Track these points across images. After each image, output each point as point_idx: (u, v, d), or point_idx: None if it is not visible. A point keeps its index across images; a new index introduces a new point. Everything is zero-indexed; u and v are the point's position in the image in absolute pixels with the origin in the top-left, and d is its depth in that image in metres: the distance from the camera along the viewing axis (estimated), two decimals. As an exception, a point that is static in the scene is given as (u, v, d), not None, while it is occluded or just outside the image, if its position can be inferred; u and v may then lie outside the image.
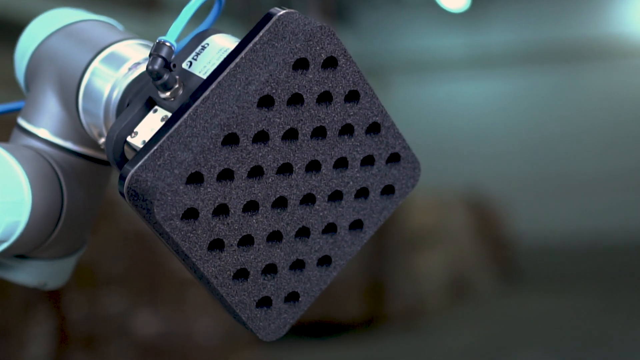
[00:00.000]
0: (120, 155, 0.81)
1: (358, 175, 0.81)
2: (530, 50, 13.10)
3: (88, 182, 0.93)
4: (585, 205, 12.81)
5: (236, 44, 0.79)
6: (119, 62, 0.88)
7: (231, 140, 0.74)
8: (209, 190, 0.74)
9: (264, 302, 0.80)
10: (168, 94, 0.79)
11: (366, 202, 0.82)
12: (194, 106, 0.74)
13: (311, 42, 0.75)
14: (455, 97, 13.37)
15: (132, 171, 0.74)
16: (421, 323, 6.03)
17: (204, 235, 0.74)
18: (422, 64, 13.47)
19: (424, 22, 13.48)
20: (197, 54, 0.81)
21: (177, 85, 0.79)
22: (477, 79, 13.27)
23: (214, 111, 0.74)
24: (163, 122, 0.78)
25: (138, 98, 0.81)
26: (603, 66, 12.86)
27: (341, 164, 0.80)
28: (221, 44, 0.81)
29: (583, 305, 6.77)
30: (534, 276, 8.72)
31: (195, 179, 0.73)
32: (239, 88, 0.74)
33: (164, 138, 0.74)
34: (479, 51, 13.26)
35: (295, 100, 0.76)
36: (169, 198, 0.72)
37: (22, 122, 0.93)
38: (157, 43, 0.78)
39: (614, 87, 12.84)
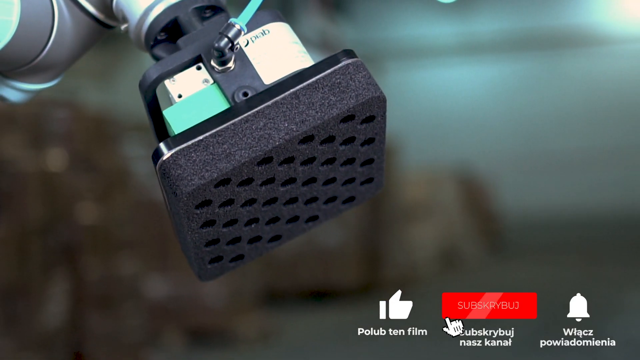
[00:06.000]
0: (152, 92, 0.81)
1: (337, 189, 0.86)
2: (516, 38, 13.08)
3: (82, 32, 0.87)
4: (567, 182, 12.79)
5: (293, 45, 0.80)
6: None
7: (266, 161, 0.77)
8: (229, 190, 0.77)
9: (217, 260, 0.85)
10: (219, 67, 0.78)
11: (330, 205, 0.88)
12: (245, 115, 0.76)
13: (366, 106, 0.77)
14: (446, 81, 13.36)
15: (172, 152, 0.75)
16: (414, 289, 5.92)
17: (205, 217, 0.78)
18: (415, 51, 13.45)
19: (417, 11, 13.42)
20: (256, 37, 0.80)
21: (230, 65, 0.78)
22: (466, 65, 13.24)
23: (261, 131, 0.75)
24: (204, 85, 0.79)
25: (189, 49, 0.80)
26: (583, 52, 12.84)
27: (331, 181, 0.84)
28: (279, 39, 0.80)
29: (565, 275, 6.74)
30: (519, 248, 8.70)
31: (223, 182, 0.76)
32: (291, 123, 0.76)
33: (209, 133, 0.75)
34: (468, 39, 13.23)
35: (328, 140, 0.79)
36: (197, 193, 0.75)
37: None
38: (228, 24, 0.77)
39: (594, 72, 12.80)
